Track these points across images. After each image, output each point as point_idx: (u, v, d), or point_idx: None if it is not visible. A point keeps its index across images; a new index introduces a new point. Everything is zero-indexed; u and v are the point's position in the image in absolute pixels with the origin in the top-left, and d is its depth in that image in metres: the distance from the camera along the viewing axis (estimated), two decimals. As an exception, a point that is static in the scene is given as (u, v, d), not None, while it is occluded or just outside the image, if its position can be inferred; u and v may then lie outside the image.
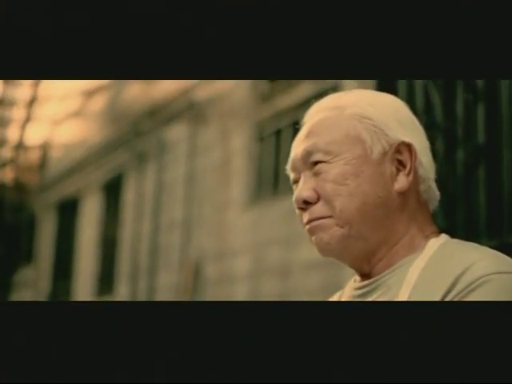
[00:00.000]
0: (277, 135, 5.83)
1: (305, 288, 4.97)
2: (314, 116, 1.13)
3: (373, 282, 1.08)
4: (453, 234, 1.13)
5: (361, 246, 1.07)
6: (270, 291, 5.44)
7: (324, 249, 1.08)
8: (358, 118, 1.09)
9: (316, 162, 1.09)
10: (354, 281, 1.15)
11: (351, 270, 1.15)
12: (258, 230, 5.76)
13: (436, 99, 2.65)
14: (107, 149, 8.81)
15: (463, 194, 2.51)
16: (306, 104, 1.16)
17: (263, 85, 5.95)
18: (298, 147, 1.12)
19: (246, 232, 5.93)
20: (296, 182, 1.12)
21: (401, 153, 1.09)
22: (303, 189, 1.09)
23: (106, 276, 8.68)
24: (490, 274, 0.95)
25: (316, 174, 1.09)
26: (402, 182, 1.08)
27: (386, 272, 1.07)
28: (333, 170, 1.07)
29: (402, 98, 1.17)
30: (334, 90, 1.24)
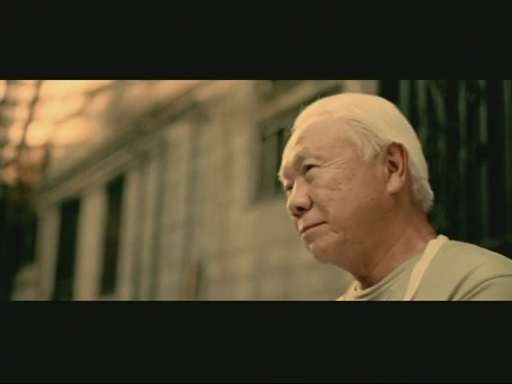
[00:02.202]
0: (279, 135, 5.83)
1: (306, 288, 4.97)
2: (303, 122, 1.13)
3: (374, 290, 1.08)
4: (455, 234, 1.13)
5: (357, 249, 1.07)
6: (271, 291, 5.44)
7: (321, 256, 1.08)
8: (348, 121, 1.09)
9: (308, 167, 1.08)
10: (355, 289, 1.14)
11: (353, 270, 1.14)
12: (260, 229, 5.76)
13: (438, 99, 2.64)
14: (109, 149, 8.82)
15: (465, 193, 2.50)
16: (307, 104, 1.16)
17: (265, 85, 5.95)
18: (289, 154, 1.12)
19: (248, 232, 5.94)
20: (289, 188, 1.12)
21: (392, 154, 1.09)
22: (296, 195, 1.09)
23: (109, 276, 8.69)
24: (492, 278, 0.95)
25: (308, 180, 1.09)
26: (394, 183, 1.08)
27: (387, 278, 1.07)
28: (325, 174, 1.07)
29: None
30: (336, 89, 1.24)
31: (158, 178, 7.45)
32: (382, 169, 1.08)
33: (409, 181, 1.10)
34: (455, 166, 2.55)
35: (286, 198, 1.12)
